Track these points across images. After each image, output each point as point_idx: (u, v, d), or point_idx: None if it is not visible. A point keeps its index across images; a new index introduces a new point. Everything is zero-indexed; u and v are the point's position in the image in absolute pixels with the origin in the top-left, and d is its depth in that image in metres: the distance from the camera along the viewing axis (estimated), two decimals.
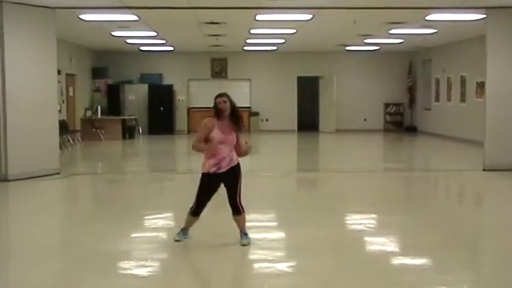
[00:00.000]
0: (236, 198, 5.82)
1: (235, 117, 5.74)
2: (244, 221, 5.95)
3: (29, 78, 10.18)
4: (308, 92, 22.76)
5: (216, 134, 5.65)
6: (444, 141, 17.59)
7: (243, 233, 5.96)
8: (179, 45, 18.82)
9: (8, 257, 5.84)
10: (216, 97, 5.75)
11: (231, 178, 5.79)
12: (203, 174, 5.80)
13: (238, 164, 5.85)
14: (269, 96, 21.56)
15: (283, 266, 5.38)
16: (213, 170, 5.72)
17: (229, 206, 5.87)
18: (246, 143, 5.91)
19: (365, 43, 18.04)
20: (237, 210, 5.84)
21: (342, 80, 21.32)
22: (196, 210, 5.84)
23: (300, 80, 21.75)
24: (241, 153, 5.88)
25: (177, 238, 5.96)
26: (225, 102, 5.68)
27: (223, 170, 5.73)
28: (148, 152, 16.80)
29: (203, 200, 5.82)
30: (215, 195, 5.86)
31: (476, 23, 12.55)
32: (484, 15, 11.26)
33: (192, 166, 12.59)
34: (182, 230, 5.99)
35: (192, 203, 5.85)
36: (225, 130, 5.69)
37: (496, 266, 5.47)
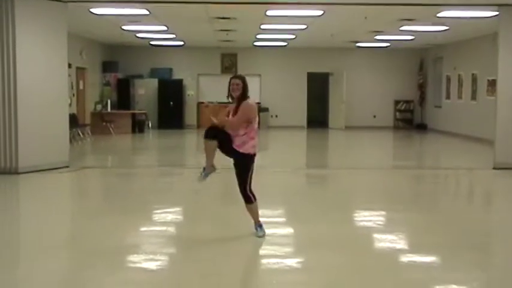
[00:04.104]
0: (244, 187, 5.83)
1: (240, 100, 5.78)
2: (256, 211, 5.97)
3: (39, 71, 10.22)
4: (318, 88, 22.70)
5: (229, 114, 5.84)
6: (454, 139, 17.50)
7: (258, 225, 5.99)
8: (189, 40, 18.82)
9: (17, 250, 5.87)
10: (231, 78, 5.86)
11: (240, 165, 5.82)
12: None
13: (249, 154, 5.81)
14: (279, 92, 21.53)
15: (292, 262, 5.38)
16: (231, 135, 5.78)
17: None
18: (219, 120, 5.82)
19: (376, 40, 17.96)
20: (247, 198, 5.87)
21: (352, 76, 21.26)
22: (206, 131, 5.75)
23: (310, 76, 21.70)
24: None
25: (200, 179, 5.95)
26: (237, 84, 5.75)
27: (235, 146, 5.74)
28: (157, 146, 16.83)
29: (216, 128, 5.75)
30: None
31: (489, 20, 12.46)
32: (497, 13, 11.18)
33: (201, 161, 12.61)
34: (204, 168, 5.96)
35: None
36: (234, 113, 5.78)
37: (506, 265, 5.43)
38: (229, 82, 5.80)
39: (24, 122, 9.97)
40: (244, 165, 5.81)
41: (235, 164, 5.86)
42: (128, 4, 11.62)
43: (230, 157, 5.85)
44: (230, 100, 5.89)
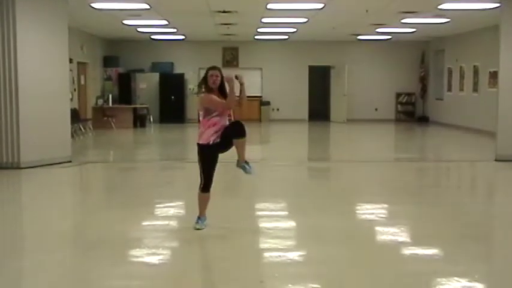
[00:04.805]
0: (241, 125, 5.75)
1: (223, 92, 5.80)
2: (245, 147, 5.84)
3: (41, 66, 10.21)
4: (319, 82, 22.67)
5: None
6: (456, 132, 17.49)
7: (245, 162, 5.88)
8: (190, 34, 18.79)
9: (20, 244, 5.89)
10: (209, 69, 5.84)
11: (225, 140, 5.77)
12: (202, 145, 5.80)
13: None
14: (280, 85, 21.49)
15: (294, 255, 5.39)
16: (212, 139, 5.75)
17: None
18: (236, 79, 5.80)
19: (377, 32, 17.90)
20: (242, 131, 5.74)
21: (354, 69, 21.21)
22: (205, 185, 5.84)
23: (311, 69, 21.67)
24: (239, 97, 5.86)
25: (197, 227, 5.94)
26: (217, 76, 5.77)
27: (222, 134, 5.76)
28: (159, 140, 16.84)
29: (209, 172, 5.82)
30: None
31: (490, 12, 12.42)
32: (498, 4, 11.14)
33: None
34: (199, 217, 5.98)
35: (199, 184, 5.87)
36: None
37: (508, 258, 5.44)
38: (207, 73, 5.79)
39: (25, 117, 9.97)
40: (228, 129, 5.78)
41: (226, 145, 5.80)
42: None
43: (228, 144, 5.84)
44: (203, 90, 5.83)
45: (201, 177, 5.86)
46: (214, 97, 5.75)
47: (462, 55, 18.25)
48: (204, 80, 5.80)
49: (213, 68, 5.85)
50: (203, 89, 5.82)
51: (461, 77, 18.27)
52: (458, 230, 6.25)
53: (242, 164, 5.88)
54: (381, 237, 6.17)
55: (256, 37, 19.63)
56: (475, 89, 17.25)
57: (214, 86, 5.77)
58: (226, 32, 17.85)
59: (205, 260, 5.17)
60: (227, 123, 5.81)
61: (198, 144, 5.84)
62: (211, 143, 5.76)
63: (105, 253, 5.36)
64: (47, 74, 10.29)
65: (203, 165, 5.84)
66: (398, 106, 21.91)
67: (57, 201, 8.03)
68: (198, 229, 5.92)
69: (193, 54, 21.24)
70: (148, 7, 12.41)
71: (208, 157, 5.82)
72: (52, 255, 5.30)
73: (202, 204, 5.95)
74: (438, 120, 20.26)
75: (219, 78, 5.76)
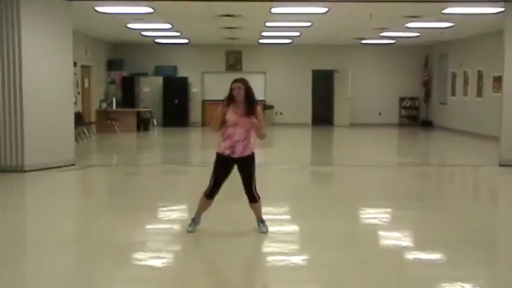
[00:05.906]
0: (251, 187, 5.88)
1: (250, 104, 5.77)
2: (260, 208, 6.04)
3: (45, 70, 10.24)
4: (323, 86, 22.66)
5: (230, 116, 5.74)
6: (460, 136, 17.46)
7: (260, 221, 6.04)
8: (194, 37, 18.82)
9: (24, 247, 5.90)
10: (232, 82, 5.83)
11: (246, 167, 5.85)
12: (217, 154, 5.86)
13: (253, 154, 5.89)
14: (284, 89, 21.51)
15: (297, 259, 5.39)
16: (227, 152, 5.77)
17: (245, 194, 5.95)
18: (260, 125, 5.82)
19: (381, 36, 17.92)
20: (253, 198, 5.92)
21: (357, 73, 21.21)
22: (211, 192, 5.86)
23: (315, 73, 21.67)
24: (258, 133, 5.82)
25: (189, 229, 6.00)
26: (239, 88, 5.74)
27: (237, 155, 5.76)
28: (162, 144, 16.85)
29: (218, 181, 5.85)
30: (229, 177, 5.89)
31: (494, 16, 12.40)
32: (503, 9, 11.13)
33: (206, 158, 12.63)
34: (193, 219, 6.03)
35: (206, 188, 5.90)
36: (239, 113, 5.75)
37: (511, 262, 5.42)
38: (231, 87, 5.79)
39: (29, 120, 10.00)
40: (251, 166, 5.87)
41: (241, 169, 5.87)
42: (132, 2, 11.62)
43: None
44: (227, 102, 5.82)
45: (210, 182, 5.90)
46: (220, 108, 5.82)
47: (466, 60, 18.23)
48: (230, 92, 5.79)
49: (235, 81, 5.82)
50: (225, 101, 5.83)
51: (465, 81, 18.25)
52: (461, 234, 6.24)
53: (258, 222, 6.04)
54: (383, 242, 6.16)
55: (260, 41, 19.65)
56: (479, 94, 17.23)
57: (240, 98, 5.74)
58: (230, 36, 17.87)
59: (208, 264, 5.17)
60: (241, 139, 5.74)
61: (216, 152, 5.88)
62: (225, 154, 5.78)
63: (109, 256, 5.37)
64: (51, 78, 10.32)
65: (214, 173, 5.88)
66: (402, 110, 21.90)
67: (60, 204, 8.04)
68: (190, 231, 5.98)
69: (196, 57, 21.28)
70: (152, 11, 12.44)
71: (220, 167, 5.84)
72: (55, 259, 5.31)
73: (201, 208, 6.00)
74: (442, 125, 20.23)
75: (242, 90, 5.73)
